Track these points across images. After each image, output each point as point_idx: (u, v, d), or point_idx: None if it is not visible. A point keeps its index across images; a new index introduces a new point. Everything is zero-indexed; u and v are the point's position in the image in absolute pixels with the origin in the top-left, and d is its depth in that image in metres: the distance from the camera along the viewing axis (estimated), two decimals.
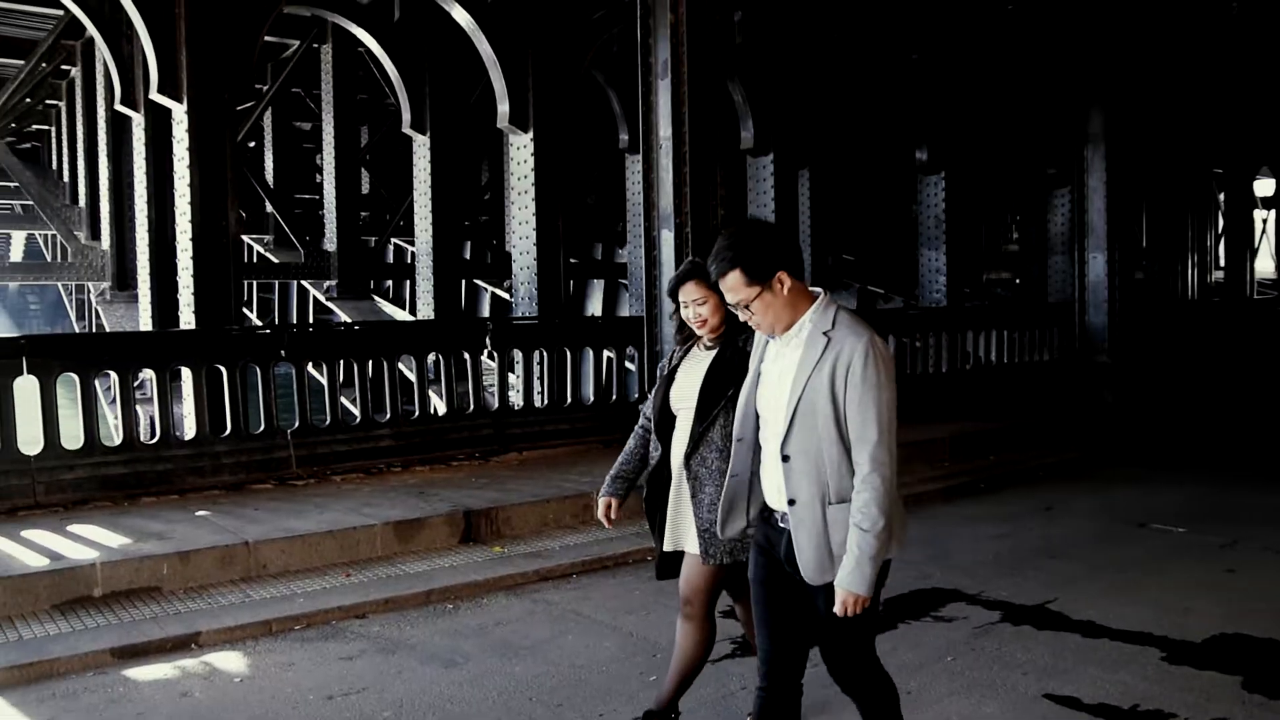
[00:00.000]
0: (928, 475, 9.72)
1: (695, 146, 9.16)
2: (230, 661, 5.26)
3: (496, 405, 9.53)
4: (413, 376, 9.43)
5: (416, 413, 9.13)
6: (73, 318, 30.08)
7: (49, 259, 30.77)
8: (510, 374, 9.78)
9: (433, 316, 14.22)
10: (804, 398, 3.08)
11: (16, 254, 60.39)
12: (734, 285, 3.16)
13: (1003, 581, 6.48)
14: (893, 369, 3.12)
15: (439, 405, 9.42)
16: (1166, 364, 15.84)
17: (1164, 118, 17.62)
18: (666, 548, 4.03)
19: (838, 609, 3.07)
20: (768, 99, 13.99)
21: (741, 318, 3.26)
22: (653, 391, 4.17)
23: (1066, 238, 15.91)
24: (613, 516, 4.14)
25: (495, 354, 9.57)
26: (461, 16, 11.42)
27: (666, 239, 9.21)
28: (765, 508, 3.35)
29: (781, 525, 3.22)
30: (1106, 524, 8.13)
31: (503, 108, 11.60)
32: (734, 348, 3.83)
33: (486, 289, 17.47)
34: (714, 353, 3.93)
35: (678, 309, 4.02)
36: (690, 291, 3.90)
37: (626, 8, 13.08)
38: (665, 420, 4.03)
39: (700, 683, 4.23)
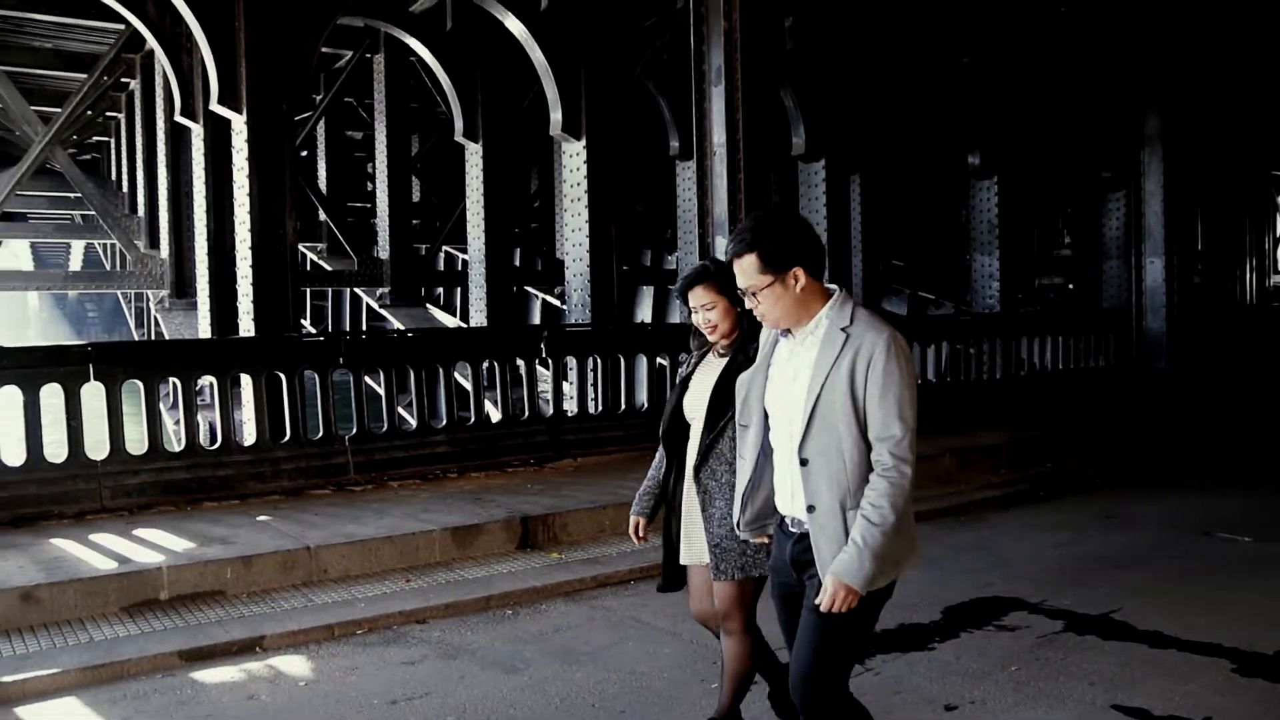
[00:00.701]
0: (985, 482, 9.63)
1: (749, 152, 9.16)
2: (295, 665, 5.32)
3: (551, 412, 9.58)
4: (467, 384, 9.51)
5: (472, 419, 9.20)
6: (131, 325, 30.63)
7: (108, 267, 31.36)
8: (564, 381, 9.82)
9: (485, 323, 14.32)
10: (822, 397, 2.96)
11: (75, 263, 61.68)
12: (748, 269, 3.05)
13: (1065, 590, 6.39)
14: (914, 367, 3.02)
15: (494, 412, 9.48)
16: (1226, 370, 15.56)
17: (1220, 119, 17.34)
18: (685, 560, 3.92)
19: (824, 600, 2.91)
20: (819, 104, 13.97)
21: (748, 304, 3.14)
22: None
23: (1122, 242, 15.70)
24: (642, 535, 4.05)
25: (550, 361, 9.62)
26: (515, 26, 11.51)
27: (721, 245, 9.21)
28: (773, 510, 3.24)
29: (792, 530, 3.13)
30: (1169, 533, 8.00)
31: (555, 115, 11.66)
32: (745, 355, 3.67)
33: (537, 295, 17.54)
34: (725, 360, 3.80)
35: (689, 312, 3.92)
36: (699, 295, 3.77)
37: (678, 15, 13.14)
38: (677, 429, 3.93)
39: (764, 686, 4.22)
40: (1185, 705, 4.60)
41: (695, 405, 3.85)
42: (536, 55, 11.57)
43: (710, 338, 3.83)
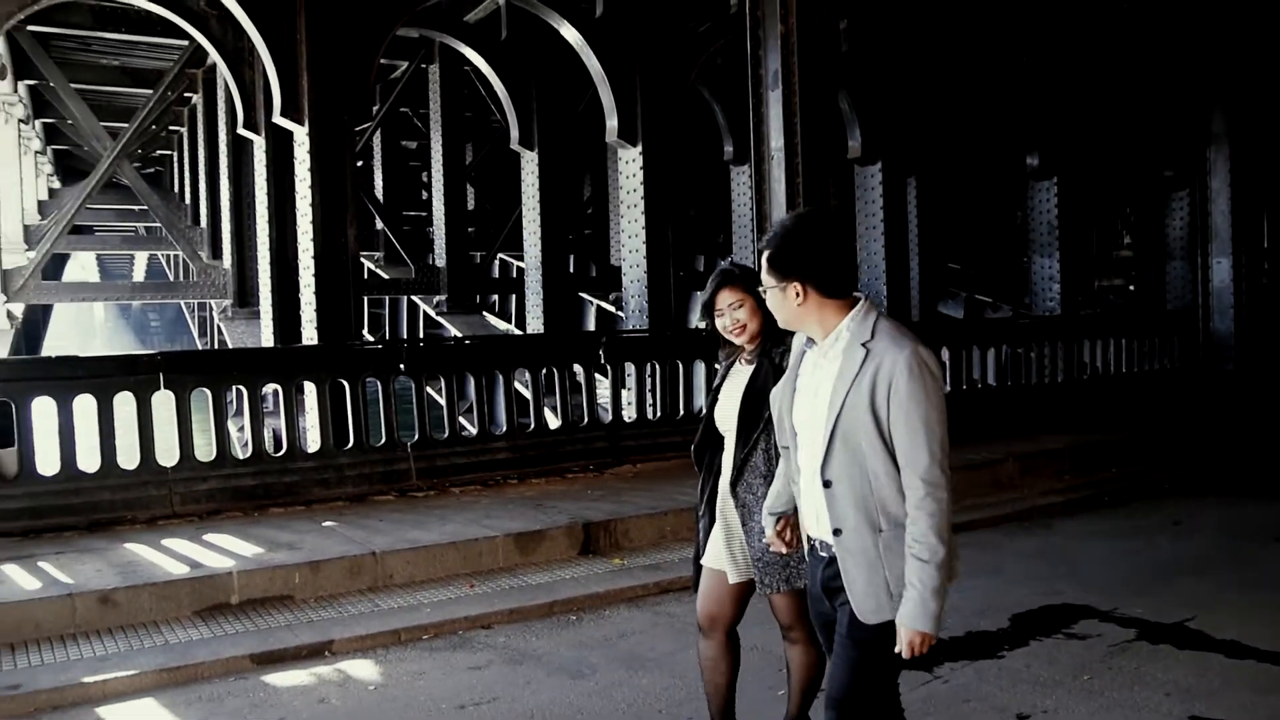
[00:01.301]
0: (1049, 487, 9.50)
1: (807, 156, 9.13)
2: (363, 669, 5.39)
3: (610, 418, 9.61)
4: (525, 391, 9.56)
5: (532, 426, 9.25)
6: (195, 334, 31.20)
7: (171, 278, 31.98)
8: (622, 387, 9.84)
9: (542, 330, 14.40)
10: (843, 416, 2.84)
11: (139, 274, 62.98)
12: (763, 268, 2.98)
13: (1136, 598, 6.28)
14: (940, 381, 2.86)
15: (552, 419, 9.53)
16: None
17: None
18: (704, 561, 3.89)
19: (903, 650, 2.82)
20: (874, 107, 13.88)
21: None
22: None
23: (1186, 242, 15.43)
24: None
25: (608, 367, 9.65)
26: (570, 34, 11.58)
27: None
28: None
29: (820, 554, 3.03)
30: (1240, 540, 7.83)
31: (611, 122, 11.71)
32: (771, 362, 3.64)
33: (592, 302, 17.61)
34: (752, 368, 3.73)
35: (711, 322, 3.83)
36: (727, 296, 3.71)
37: (733, 20, 13.13)
38: (710, 441, 3.86)
39: None
40: (1268, 717, 4.51)
41: (726, 417, 3.78)
42: (592, 63, 11.62)
43: (739, 339, 3.74)
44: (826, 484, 2.89)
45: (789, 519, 3.27)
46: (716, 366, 4.03)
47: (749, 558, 3.73)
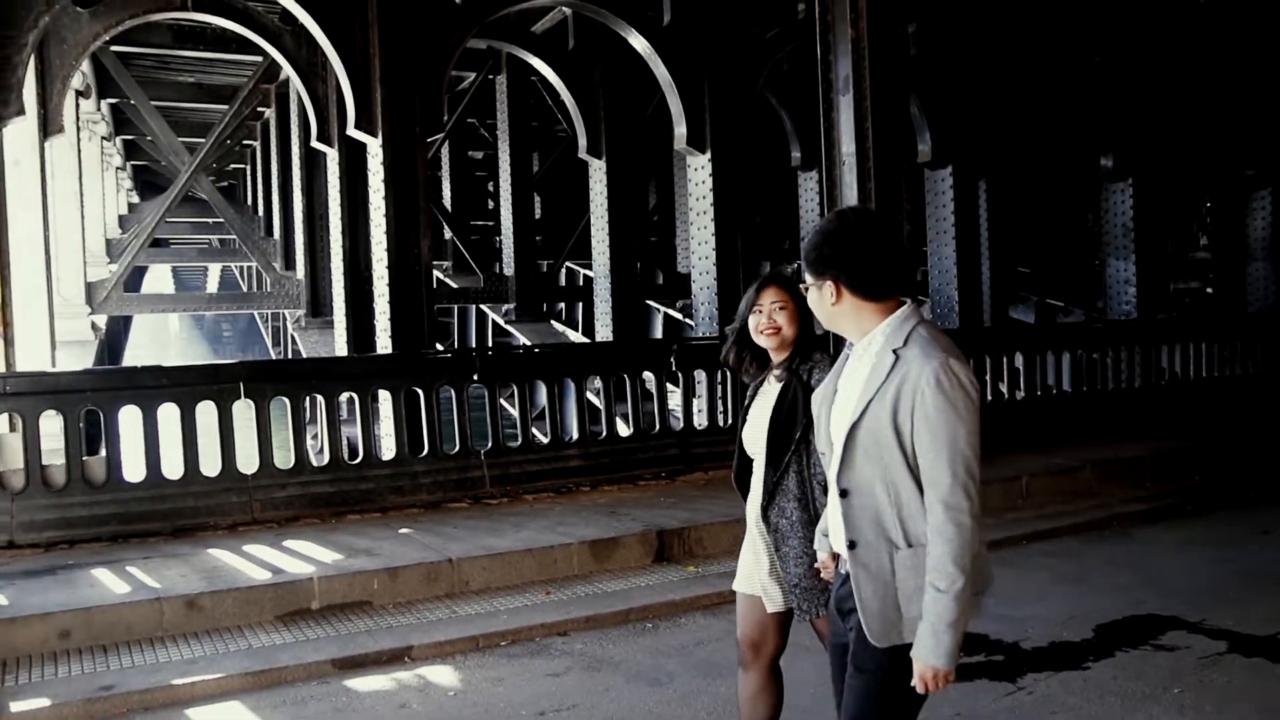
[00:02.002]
0: (1129, 496, 9.30)
1: (878, 161, 9.05)
2: (443, 675, 5.43)
3: (681, 425, 9.61)
4: (595, 399, 9.60)
5: (604, 433, 9.28)
6: (269, 344, 31.82)
7: (245, 289, 32.63)
8: (693, 395, 9.84)
9: (611, 338, 14.44)
10: (863, 424, 2.67)
11: (212, 285, 64.39)
12: (804, 263, 2.85)
13: (1225, 609, 6.12)
14: (974, 396, 2.63)
15: (622, 426, 9.55)
16: None
17: None
18: (735, 586, 3.75)
19: (917, 685, 2.63)
20: (944, 110, 13.74)
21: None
22: None
23: (1268, 242, 15.04)
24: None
25: (679, 374, 9.65)
26: (639, 42, 11.62)
27: None
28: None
29: (840, 570, 2.88)
30: None
31: (680, 129, 11.73)
32: (799, 380, 3.49)
33: (659, 309, 17.62)
34: (779, 387, 3.56)
35: (743, 329, 3.64)
36: (772, 294, 3.55)
37: (800, 25, 13.09)
38: (744, 467, 3.68)
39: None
40: None
41: (754, 439, 3.61)
42: (660, 71, 11.65)
43: (769, 341, 3.56)
44: (843, 493, 2.73)
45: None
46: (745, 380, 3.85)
47: (784, 585, 3.57)
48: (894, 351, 2.67)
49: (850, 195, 8.94)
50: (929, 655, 2.60)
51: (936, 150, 13.59)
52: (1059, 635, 5.71)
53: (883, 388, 2.65)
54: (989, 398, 11.41)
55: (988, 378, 11.47)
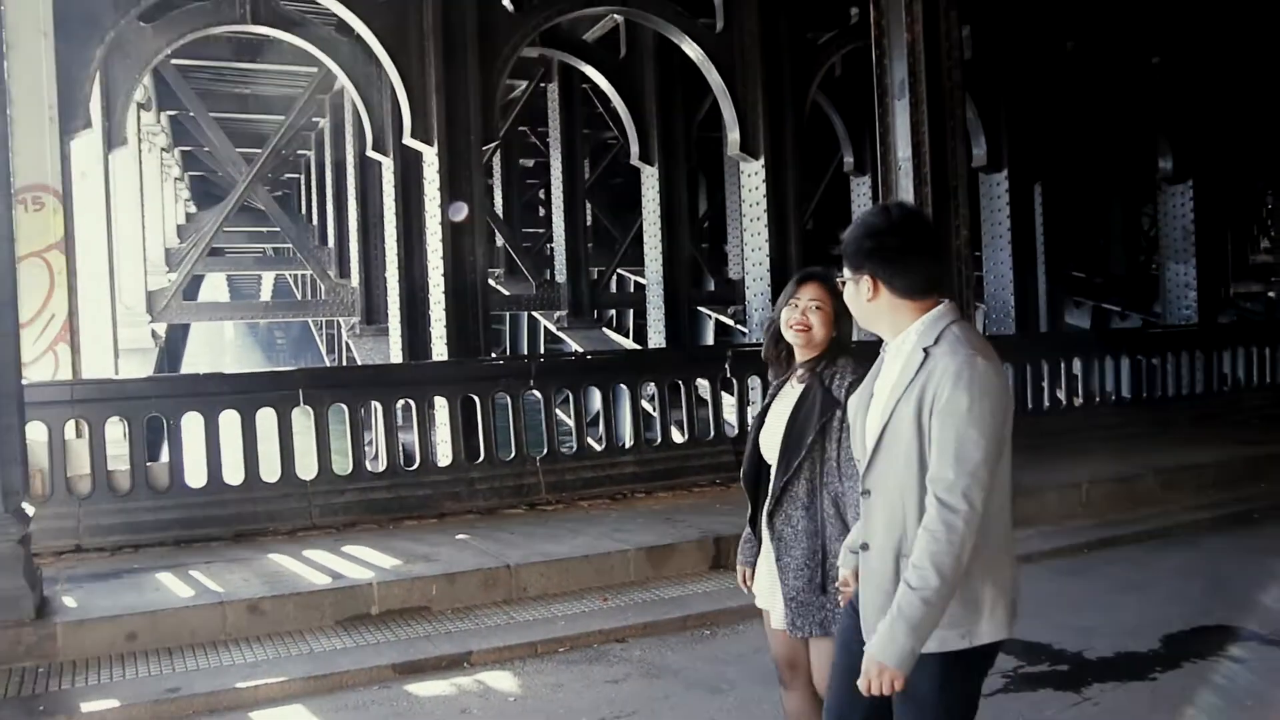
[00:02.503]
0: (1193, 503, 9.12)
1: (934, 165, 8.99)
2: (502, 681, 5.46)
3: (735, 431, 9.58)
4: (649, 405, 9.59)
5: (659, 440, 9.28)
6: (322, 351, 32.17)
7: (298, 296, 33.05)
8: (747, 401, 9.80)
9: (664, 345, 14.44)
10: (890, 424, 2.59)
11: (266, 293, 65.25)
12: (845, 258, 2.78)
13: None
14: (1001, 400, 2.52)
15: (677, 433, 9.54)
16: None
17: None
18: (760, 604, 3.61)
19: (860, 681, 2.51)
20: (999, 113, 13.60)
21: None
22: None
23: None
24: (749, 585, 3.66)
25: (734, 380, 9.62)
26: (691, 49, 11.63)
27: None
28: None
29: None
30: None
31: (733, 135, 11.71)
32: (821, 385, 3.35)
33: (710, 316, 17.61)
34: (801, 389, 3.42)
35: (774, 324, 3.52)
36: (812, 290, 3.43)
37: (853, 30, 13.03)
38: (755, 467, 3.55)
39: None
40: None
41: (770, 443, 3.48)
42: (713, 77, 11.65)
43: (798, 337, 3.42)
44: (866, 493, 2.67)
45: None
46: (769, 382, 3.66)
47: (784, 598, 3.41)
48: (924, 350, 2.60)
49: (906, 200, 8.87)
50: (880, 650, 2.48)
51: (992, 154, 13.46)
52: (1125, 645, 5.60)
53: (910, 386, 2.58)
54: (1046, 404, 11.27)
55: (1044, 384, 11.33)
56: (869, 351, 2.86)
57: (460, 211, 10.07)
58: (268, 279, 63.70)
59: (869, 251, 2.70)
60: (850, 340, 3.41)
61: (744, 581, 3.68)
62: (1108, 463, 9.73)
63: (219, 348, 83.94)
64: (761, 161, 11.70)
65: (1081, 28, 14.53)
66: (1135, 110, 15.49)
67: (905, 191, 8.86)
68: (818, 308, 3.40)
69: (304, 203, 29.81)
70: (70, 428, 7.68)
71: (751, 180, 11.91)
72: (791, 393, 3.46)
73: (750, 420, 9.62)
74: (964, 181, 9.61)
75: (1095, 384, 11.61)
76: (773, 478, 3.44)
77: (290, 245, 23.23)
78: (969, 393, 2.49)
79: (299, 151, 26.94)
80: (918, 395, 2.55)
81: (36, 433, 7.04)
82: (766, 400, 3.60)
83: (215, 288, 69.28)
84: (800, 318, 3.41)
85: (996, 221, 13.67)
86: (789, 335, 3.45)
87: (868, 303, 2.72)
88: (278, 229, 22.01)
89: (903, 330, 2.69)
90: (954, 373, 2.51)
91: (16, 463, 5.86)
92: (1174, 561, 7.51)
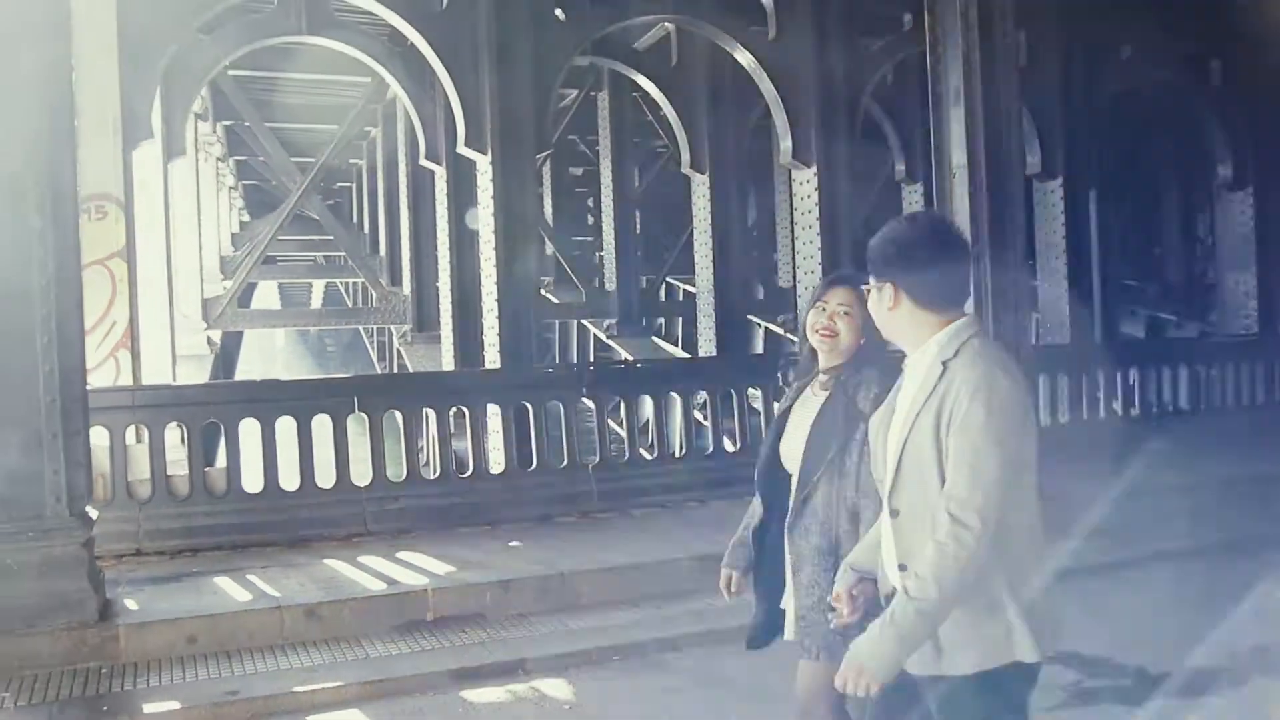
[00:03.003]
0: (1258, 515, 8.92)
1: (990, 173, 8.88)
2: (557, 689, 5.46)
3: None
4: (700, 414, 9.58)
5: (710, 448, 9.25)
6: (373, 358, 32.43)
7: (349, 304, 33.36)
8: None
9: (714, 353, 14.41)
10: (910, 439, 2.54)
11: (316, 301, 66.00)
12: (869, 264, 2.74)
13: None
14: (1020, 417, 2.47)
15: (729, 442, 9.51)
16: None
17: None
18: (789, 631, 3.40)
19: (836, 680, 2.49)
20: (1054, 121, 13.43)
21: None
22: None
23: None
24: (733, 590, 3.54)
25: (785, 390, 9.55)
26: (744, 57, 11.61)
27: None
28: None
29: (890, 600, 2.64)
30: None
31: (785, 144, 11.66)
32: (845, 395, 3.22)
33: (759, 324, 17.53)
34: (824, 398, 3.29)
35: (801, 326, 3.41)
36: (841, 295, 3.30)
37: (905, 37, 12.94)
38: (771, 473, 3.41)
39: None
40: None
41: (791, 453, 3.34)
42: (766, 85, 11.61)
43: (823, 342, 3.30)
44: (894, 513, 2.60)
45: (866, 583, 2.78)
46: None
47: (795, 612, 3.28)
48: (943, 363, 2.55)
49: (962, 208, 8.79)
50: (865, 653, 2.45)
51: (1046, 161, 13.28)
52: (1189, 660, 5.49)
53: (929, 400, 2.52)
54: (1102, 414, 11.10)
55: (1100, 394, 11.17)
56: (899, 364, 2.80)
57: (510, 219, 10.13)
58: (317, 286, 64.49)
59: (892, 259, 2.66)
60: (879, 351, 3.24)
61: (727, 586, 3.55)
62: (1165, 474, 9.54)
63: (270, 354, 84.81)
64: (813, 170, 11.65)
65: (1138, 33, 14.30)
66: (1192, 116, 15.23)
67: (960, 199, 8.77)
68: (846, 313, 3.28)
69: (355, 211, 30.11)
70: (130, 433, 7.81)
71: (803, 189, 11.85)
72: (814, 401, 3.34)
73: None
74: (1019, 189, 9.50)
75: (1152, 394, 11.43)
76: (793, 490, 3.32)
77: (342, 254, 23.46)
78: (986, 408, 2.43)
79: (351, 160, 27.22)
80: (935, 410, 2.50)
81: (99, 437, 7.17)
82: (786, 403, 3.48)
83: (267, 295, 70.25)
84: (827, 323, 3.30)
85: (1051, 230, 13.50)
86: (814, 340, 3.33)
87: (889, 312, 2.68)
88: (329, 237, 22.25)
89: (924, 343, 2.64)
90: (972, 387, 2.46)
91: (81, 467, 5.97)
92: (1242, 575, 7.33)
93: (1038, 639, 2.50)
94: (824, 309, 3.32)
